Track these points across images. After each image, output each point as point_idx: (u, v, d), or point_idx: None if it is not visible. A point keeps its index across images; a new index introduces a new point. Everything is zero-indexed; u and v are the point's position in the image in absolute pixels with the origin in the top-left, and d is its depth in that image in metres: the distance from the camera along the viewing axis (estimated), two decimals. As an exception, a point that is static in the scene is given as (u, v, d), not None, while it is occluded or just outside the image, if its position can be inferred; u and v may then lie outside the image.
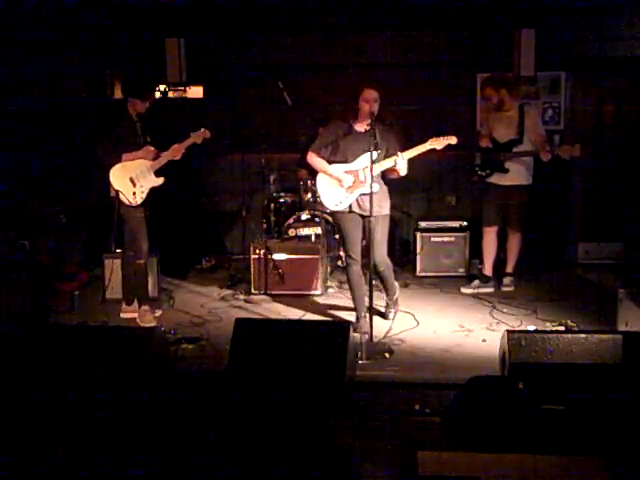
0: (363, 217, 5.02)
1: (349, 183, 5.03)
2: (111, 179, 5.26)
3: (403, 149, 4.95)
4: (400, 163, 4.90)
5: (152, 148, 5.37)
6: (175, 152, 5.37)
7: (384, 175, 5.08)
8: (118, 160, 5.26)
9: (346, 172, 5.05)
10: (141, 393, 3.75)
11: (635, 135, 7.08)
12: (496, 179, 6.02)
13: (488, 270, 6.20)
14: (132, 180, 5.28)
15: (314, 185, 6.59)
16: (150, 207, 5.47)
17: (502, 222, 6.13)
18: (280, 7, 6.70)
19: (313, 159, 5.16)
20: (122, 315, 5.57)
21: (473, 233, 6.61)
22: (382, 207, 5.05)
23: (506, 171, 5.93)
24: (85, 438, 3.50)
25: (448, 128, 5.08)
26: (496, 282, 6.20)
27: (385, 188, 5.13)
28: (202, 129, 5.40)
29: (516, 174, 5.94)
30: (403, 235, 7.32)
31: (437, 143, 4.92)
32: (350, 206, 5.07)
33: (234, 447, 3.46)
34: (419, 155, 4.98)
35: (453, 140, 4.94)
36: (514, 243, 6.12)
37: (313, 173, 6.60)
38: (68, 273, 6.35)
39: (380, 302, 5.48)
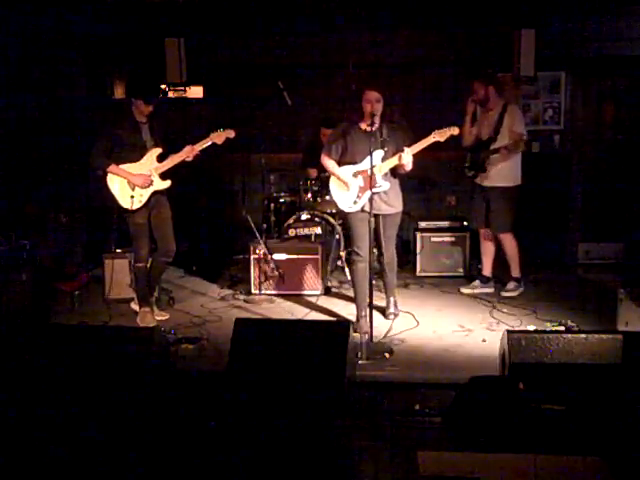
0: (376, 216, 5.02)
1: (356, 187, 5.07)
2: (108, 182, 5.14)
3: (411, 145, 4.99)
4: (405, 158, 4.94)
5: (159, 150, 5.19)
6: (188, 153, 5.15)
7: (393, 171, 5.10)
8: (107, 163, 5.10)
9: (356, 173, 5.10)
10: (141, 393, 3.75)
11: (635, 135, 7.08)
12: (479, 180, 5.97)
13: (487, 271, 6.17)
14: (131, 183, 5.16)
15: (315, 185, 6.62)
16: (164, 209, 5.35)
17: None
18: (280, 7, 6.70)
19: (325, 162, 5.21)
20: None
21: (473, 233, 6.61)
22: (393, 206, 5.14)
23: (484, 170, 5.86)
24: (86, 438, 3.50)
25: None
26: (496, 283, 6.18)
27: (397, 186, 5.18)
28: (227, 129, 5.16)
29: (496, 175, 5.84)
30: (403, 235, 7.32)
31: (440, 135, 4.97)
32: (362, 206, 5.10)
33: (234, 447, 3.45)
34: (421, 152, 5.01)
35: (455, 131, 4.98)
36: (506, 246, 5.95)
37: (323, 172, 6.63)
38: (68, 273, 6.36)
39: (381, 302, 5.50)
